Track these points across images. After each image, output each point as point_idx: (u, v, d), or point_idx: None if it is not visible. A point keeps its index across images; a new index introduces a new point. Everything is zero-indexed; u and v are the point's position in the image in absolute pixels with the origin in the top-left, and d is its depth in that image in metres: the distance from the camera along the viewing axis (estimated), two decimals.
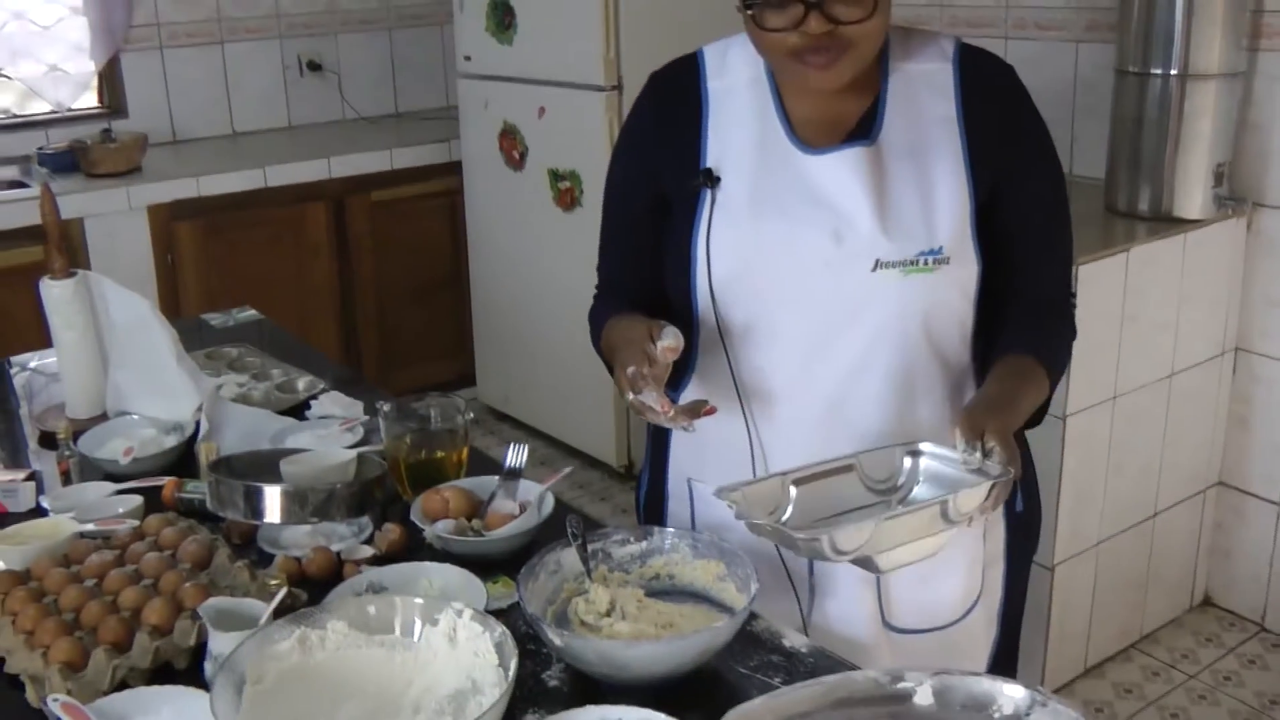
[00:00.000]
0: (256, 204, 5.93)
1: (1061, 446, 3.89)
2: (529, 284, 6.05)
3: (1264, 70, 4.21)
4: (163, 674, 2.00)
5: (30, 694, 1.95)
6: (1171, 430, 4.32)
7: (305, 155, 6.18)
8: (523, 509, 2.37)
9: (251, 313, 3.90)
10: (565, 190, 5.63)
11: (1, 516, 2.61)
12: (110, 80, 6.49)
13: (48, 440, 2.97)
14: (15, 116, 6.33)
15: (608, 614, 2.03)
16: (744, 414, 2.26)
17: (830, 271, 2.13)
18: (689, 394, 2.36)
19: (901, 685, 1.65)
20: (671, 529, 2.22)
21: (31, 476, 2.68)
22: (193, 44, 6.61)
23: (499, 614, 1.99)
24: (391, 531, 2.33)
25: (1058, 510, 3.95)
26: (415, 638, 1.92)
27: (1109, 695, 4.28)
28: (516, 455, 2.48)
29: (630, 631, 1.98)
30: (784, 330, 2.20)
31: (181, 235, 5.73)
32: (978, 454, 1.97)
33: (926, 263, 2.11)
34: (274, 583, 2.12)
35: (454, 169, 6.46)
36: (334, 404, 3.05)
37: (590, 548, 2.16)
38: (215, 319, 3.86)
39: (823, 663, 2.01)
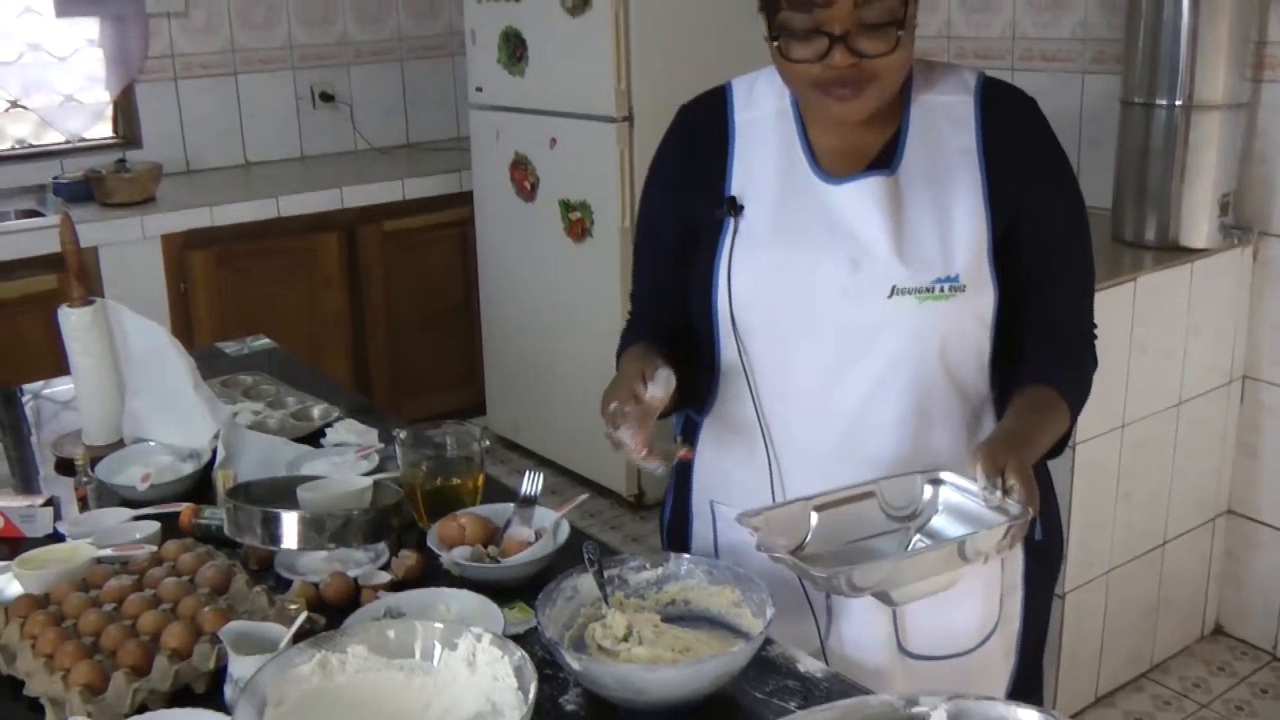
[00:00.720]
0: (269, 234, 5.96)
1: (1071, 474, 3.90)
2: (539, 314, 6.07)
3: (1268, 101, 4.24)
4: (182, 697, 2.01)
5: (51, 717, 1.96)
6: (1180, 458, 4.33)
7: (318, 185, 6.22)
8: (538, 536, 2.38)
9: (265, 341, 3.92)
10: (576, 221, 5.65)
11: (19, 542, 2.63)
12: (125, 111, 6.53)
13: (65, 466, 2.99)
14: (31, 146, 6.36)
15: (625, 639, 2.04)
16: (764, 437, 2.28)
17: (848, 298, 2.15)
18: (712, 417, 2.40)
19: (916, 710, 1.66)
20: (687, 555, 2.23)
21: (49, 502, 2.70)
22: (207, 75, 6.65)
23: (516, 639, 2.00)
24: (408, 558, 2.35)
25: (1067, 538, 3.95)
26: (435, 661, 1.93)
27: None
28: (532, 483, 2.50)
29: (648, 656, 1.99)
30: (802, 356, 2.22)
31: (195, 264, 5.76)
32: (998, 492, 1.98)
33: (943, 290, 2.12)
34: (293, 607, 2.14)
35: (465, 199, 6.49)
36: (349, 432, 3.07)
37: (606, 574, 2.17)
38: (229, 347, 3.88)
39: (838, 688, 2.02)
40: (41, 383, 3.68)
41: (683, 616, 2.16)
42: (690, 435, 2.47)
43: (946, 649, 2.33)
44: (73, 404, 3.37)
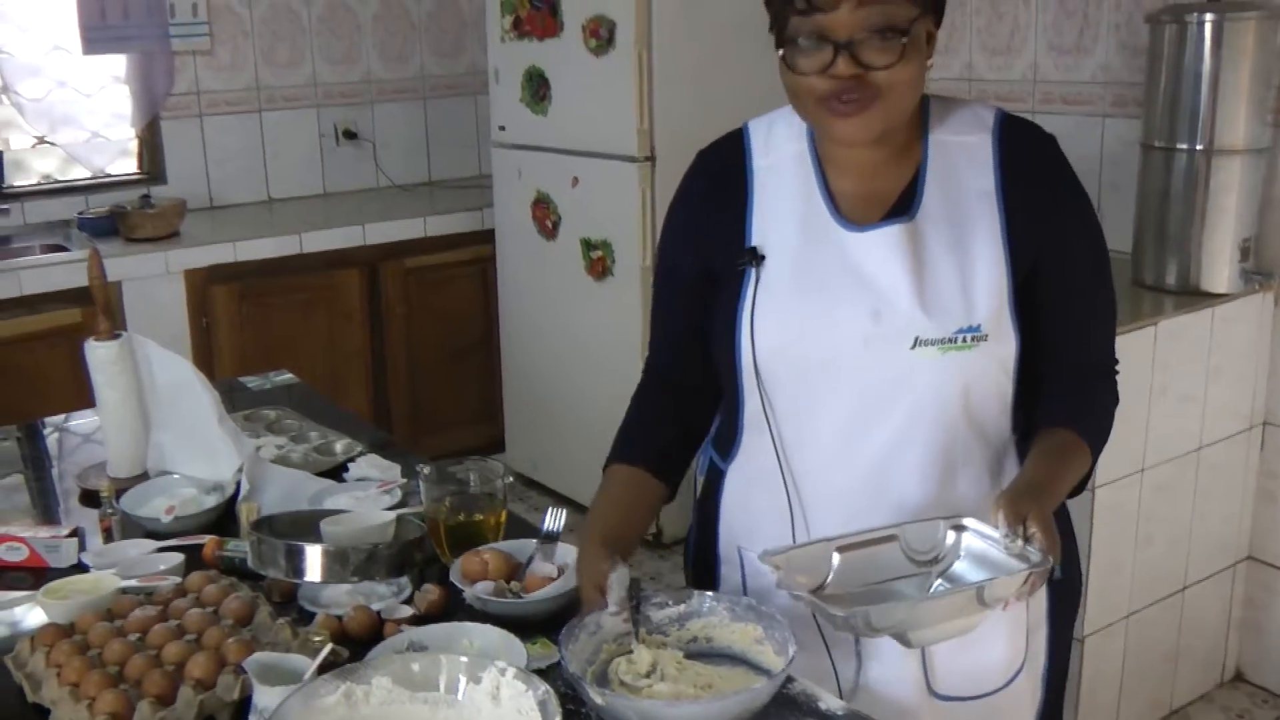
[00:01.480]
0: (291, 269, 6.00)
1: (1091, 517, 3.90)
2: (559, 352, 6.09)
3: None
4: None
5: None
6: (1200, 503, 4.33)
7: (340, 222, 6.26)
8: (560, 572, 2.39)
9: (288, 376, 3.94)
10: (597, 260, 5.67)
11: (44, 572, 2.65)
12: (150, 147, 6.57)
13: (89, 498, 3.01)
14: (57, 182, 6.41)
15: (648, 675, 2.05)
16: (785, 485, 2.28)
17: (870, 349, 2.15)
18: (736, 464, 2.40)
19: None
20: (709, 593, 2.23)
21: (74, 533, 2.71)
22: (231, 112, 6.70)
23: (539, 674, 2.00)
24: (431, 592, 2.35)
25: (1087, 581, 3.95)
26: (459, 695, 1.94)
27: None
28: (554, 519, 2.51)
29: (670, 692, 2.00)
30: (825, 406, 2.22)
31: (217, 299, 5.79)
32: (1019, 540, 1.98)
33: (965, 340, 2.12)
34: (317, 639, 2.15)
35: (487, 237, 6.51)
36: (371, 466, 3.08)
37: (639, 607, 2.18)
38: (251, 382, 3.89)
39: None
40: (63, 416, 3.70)
41: (705, 654, 2.16)
42: (715, 483, 2.48)
43: (975, 689, 2.32)
44: (95, 437, 3.40)
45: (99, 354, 3.05)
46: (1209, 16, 3.98)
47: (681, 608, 2.20)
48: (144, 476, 3.05)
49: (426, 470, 2.63)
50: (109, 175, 6.48)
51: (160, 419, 3.05)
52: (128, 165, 6.60)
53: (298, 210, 6.69)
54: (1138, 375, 3.94)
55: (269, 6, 6.73)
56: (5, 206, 6.12)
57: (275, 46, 6.79)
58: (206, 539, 2.65)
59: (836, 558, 2.08)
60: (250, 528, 2.46)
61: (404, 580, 2.44)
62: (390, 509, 2.75)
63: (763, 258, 2.22)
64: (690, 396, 2.43)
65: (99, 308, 3.05)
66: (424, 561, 2.46)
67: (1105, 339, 2.36)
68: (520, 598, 2.33)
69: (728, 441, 2.40)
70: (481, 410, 6.80)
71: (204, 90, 6.60)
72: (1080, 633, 4.02)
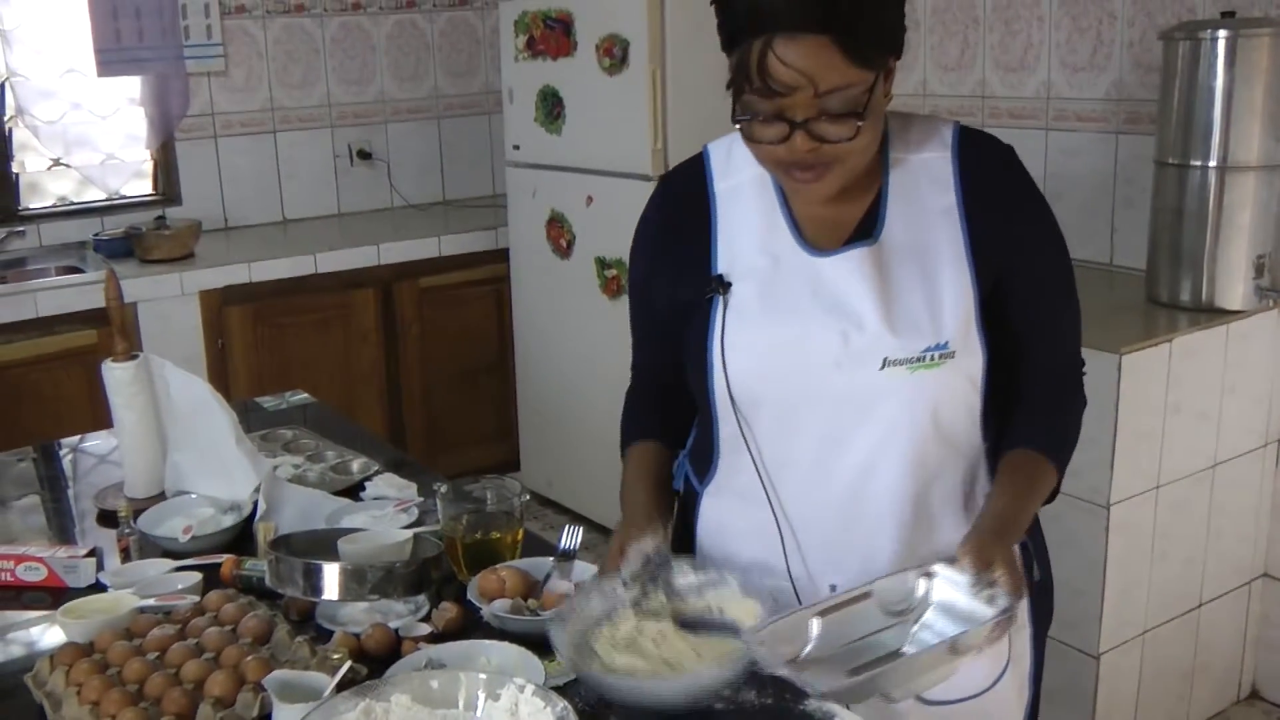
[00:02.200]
0: (306, 290, 6.01)
1: (1106, 535, 3.89)
2: (574, 371, 6.09)
3: None
4: None
5: None
6: (1215, 521, 4.32)
7: (355, 242, 6.27)
8: (577, 590, 2.40)
9: (303, 396, 3.95)
10: (612, 278, 5.68)
11: (61, 591, 2.66)
12: (165, 168, 6.59)
13: (107, 518, 3.02)
14: (72, 204, 6.43)
15: (627, 646, 2.10)
16: (771, 505, 2.29)
17: (841, 371, 2.16)
18: (714, 487, 2.42)
19: None
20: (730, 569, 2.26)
21: (92, 553, 2.72)
22: (246, 133, 6.72)
23: (557, 691, 2.02)
24: (449, 610, 2.36)
25: (1103, 598, 3.95)
26: (478, 712, 1.95)
27: None
28: (571, 537, 2.52)
29: (624, 666, 2.05)
30: (799, 428, 2.24)
31: (232, 320, 5.81)
32: (987, 588, 2.01)
33: (933, 358, 2.13)
34: (336, 656, 2.15)
35: (501, 256, 6.53)
36: (388, 485, 3.09)
37: (656, 576, 2.21)
38: (267, 402, 3.91)
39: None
40: (79, 437, 3.72)
41: (714, 625, 2.17)
42: (690, 506, 2.50)
43: (962, 692, 2.32)
44: (111, 458, 3.41)
45: (116, 375, 3.06)
46: (1223, 33, 3.98)
47: (702, 577, 2.23)
48: (161, 496, 3.07)
49: (443, 489, 2.64)
50: (124, 197, 6.50)
51: (177, 439, 3.06)
52: (143, 187, 6.63)
53: (312, 230, 6.71)
54: (1152, 392, 3.94)
55: (283, 28, 6.75)
56: (21, 229, 6.16)
57: (289, 67, 6.81)
58: (224, 558, 2.66)
59: (817, 624, 2.07)
60: (268, 546, 2.46)
61: (421, 598, 2.44)
62: (407, 527, 2.76)
63: (729, 285, 2.24)
64: (676, 393, 2.45)
65: (116, 328, 3.06)
66: (441, 579, 2.46)
67: (1071, 343, 2.37)
68: (538, 615, 2.34)
69: (704, 462, 2.43)
70: (496, 429, 6.81)
71: (219, 111, 6.63)
72: (1096, 649, 4.02)
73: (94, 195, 6.46)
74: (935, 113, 5.30)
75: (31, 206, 6.34)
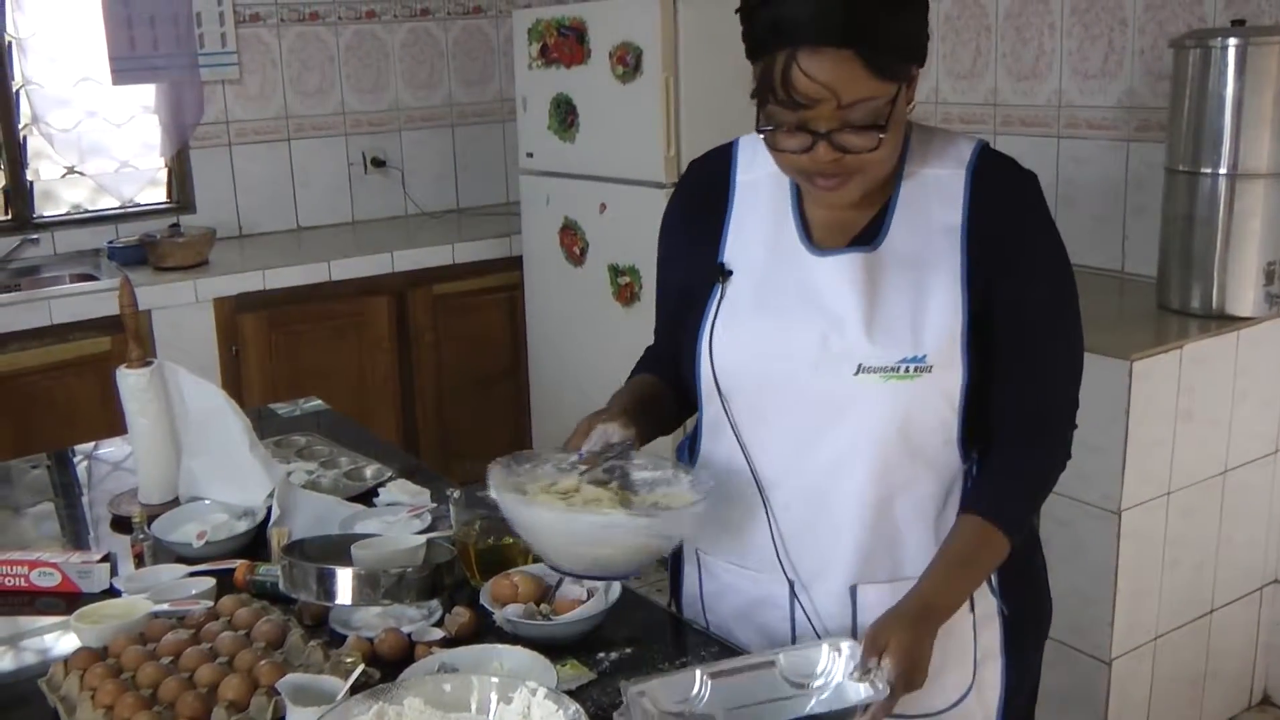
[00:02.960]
0: (320, 297, 6.02)
1: (1117, 541, 3.90)
2: (587, 378, 6.09)
3: None
4: None
5: None
6: (1226, 527, 4.32)
7: (368, 249, 6.29)
8: (590, 595, 2.41)
9: (317, 403, 3.97)
10: (625, 285, 5.69)
11: (75, 597, 2.67)
12: (179, 176, 6.61)
13: (121, 524, 3.03)
14: (86, 212, 6.45)
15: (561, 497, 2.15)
16: (761, 492, 2.31)
17: (817, 372, 2.17)
18: (701, 462, 2.42)
19: None
20: (687, 469, 2.31)
21: (106, 558, 2.74)
22: (260, 141, 6.74)
23: (569, 695, 2.03)
24: (461, 615, 2.37)
25: (1115, 604, 3.96)
26: (490, 715, 1.96)
27: None
28: None
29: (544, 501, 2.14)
30: (776, 423, 2.26)
31: (246, 327, 5.82)
32: (869, 672, 2.02)
33: (908, 370, 2.14)
34: (349, 660, 2.16)
35: (515, 264, 6.54)
36: (401, 491, 3.10)
37: (611, 463, 2.25)
38: (281, 408, 3.92)
39: None
40: (93, 444, 3.73)
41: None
42: None
43: (919, 708, 2.30)
44: (125, 464, 3.43)
45: (131, 381, 3.07)
46: (1233, 41, 3.99)
47: (657, 474, 2.27)
48: (175, 502, 3.08)
49: (456, 494, 2.65)
50: (138, 205, 6.52)
51: (191, 445, 3.07)
52: (157, 195, 6.65)
53: (326, 238, 6.72)
54: (1163, 399, 3.95)
55: (297, 36, 6.77)
56: (35, 236, 6.18)
57: (304, 75, 6.83)
58: (238, 563, 2.67)
59: (709, 684, 2.07)
60: (281, 552, 2.48)
61: (434, 603, 2.45)
62: (420, 533, 2.76)
63: (730, 274, 2.28)
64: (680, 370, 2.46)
65: (130, 335, 3.07)
66: (454, 585, 2.47)
67: (1060, 389, 2.31)
68: (550, 620, 2.35)
69: (690, 449, 2.47)
70: (510, 436, 6.79)
71: (233, 119, 6.65)
72: (1108, 655, 4.02)
73: (108, 203, 6.48)
74: (947, 121, 5.31)
75: (46, 214, 6.36)
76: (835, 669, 2.11)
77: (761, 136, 2.13)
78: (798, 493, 2.28)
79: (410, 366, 6.40)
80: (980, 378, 2.20)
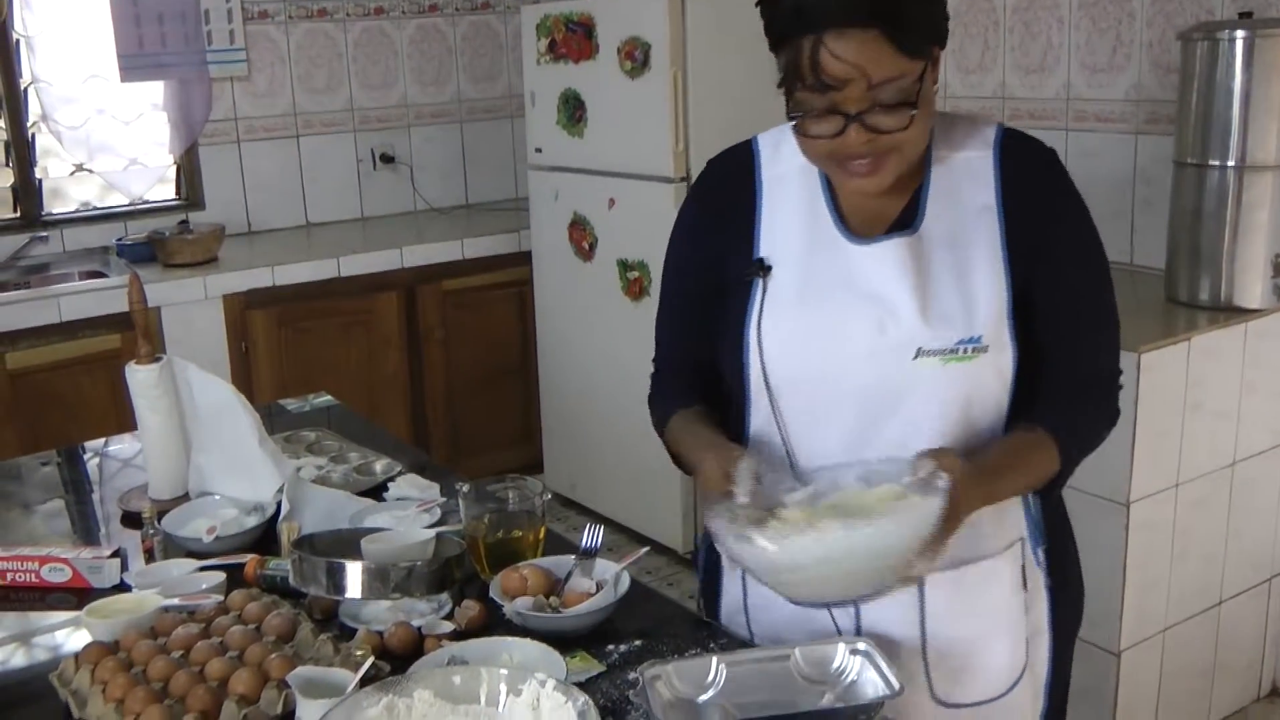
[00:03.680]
0: (329, 293, 6.03)
1: (1126, 532, 3.90)
2: (597, 373, 6.11)
3: None
4: None
5: None
6: (1235, 519, 4.32)
7: (377, 246, 6.30)
8: (599, 588, 2.42)
9: (327, 398, 3.97)
10: (634, 280, 5.70)
11: (86, 592, 2.68)
12: (188, 173, 6.62)
13: (131, 520, 3.04)
14: (95, 209, 6.46)
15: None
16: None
17: (873, 360, 2.17)
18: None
19: None
20: (835, 468, 2.19)
21: (116, 553, 2.75)
22: (269, 138, 6.75)
23: (579, 687, 2.03)
24: (471, 608, 2.38)
25: (1124, 596, 3.96)
26: (500, 707, 1.96)
27: None
28: (593, 536, 2.54)
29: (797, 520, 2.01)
30: (831, 415, 2.24)
31: (256, 323, 5.83)
32: (929, 475, 2.00)
33: (966, 351, 2.15)
34: (359, 653, 2.17)
35: (524, 259, 6.54)
36: (411, 486, 3.11)
37: (767, 502, 2.12)
38: (291, 404, 3.93)
39: None
40: (103, 440, 3.74)
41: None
42: None
43: (977, 695, 2.33)
44: (135, 461, 3.43)
45: (140, 377, 3.08)
46: (1240, 33, 3.99)
47: (810, 489, 2.14)
48: (185, 498, 3.08)
49: (465, 489, 2.65)
50: (147, 202, 6.53)
51: (201, 441, 3.08)
52: (166, 192, 6.66)
53: (335, 234, 6.74)
54: (1171, 391, 3.95)
55: (306, 33, 6.78)
56: (44, 234, 6.19)
57: (312, 72, 6.84)
58: (248, 558, 2.68)
59: (723, 671, 2.08)
60: (291, 546, 2.48)
61: (444, 597, 2.45)
62: (429, 527, 2.78)
63: (769, 269, 2.27)
64: (708, 378, 2.44)
65: (140, 332, 3.07)
66: (464, 578, 2.48)
67: (1104, 350, 2.35)
68: (559, 613, 2.35)
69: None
70: (519, 432, 6.82)
71: (241, 116, 6.66)
72: (1117, 647, 4.02)
73: (117, 200, 6.49)
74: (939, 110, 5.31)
75: (55, 212, 6.37)
76: (850, 666, 2.10)
77: (791, 125, 2.13)
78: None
79: (420, 362, 6.41)
80: (1025, 354, 2.21)
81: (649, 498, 5.93)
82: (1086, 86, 4.92)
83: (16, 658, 2.52)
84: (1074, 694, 2.57)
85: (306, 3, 6.76)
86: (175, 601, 2.49)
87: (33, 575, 2.73)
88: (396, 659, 2.24)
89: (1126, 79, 4.78)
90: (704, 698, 2.05)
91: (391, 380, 6.33)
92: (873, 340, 2.17)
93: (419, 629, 2.34)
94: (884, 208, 2.24)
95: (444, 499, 2.99)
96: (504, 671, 2.00)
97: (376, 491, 3.12)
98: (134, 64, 6.22)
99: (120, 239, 6.20)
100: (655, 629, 2.38)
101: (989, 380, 2.21)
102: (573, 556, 2.54)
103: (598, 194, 5.87)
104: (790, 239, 2.28)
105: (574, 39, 5.78)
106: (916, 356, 2.15)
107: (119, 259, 6.04)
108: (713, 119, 5.38)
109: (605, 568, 2.49)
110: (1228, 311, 4.18)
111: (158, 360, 3.09)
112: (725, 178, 2.41)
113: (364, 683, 2.00)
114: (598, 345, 6.07)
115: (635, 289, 5.71)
